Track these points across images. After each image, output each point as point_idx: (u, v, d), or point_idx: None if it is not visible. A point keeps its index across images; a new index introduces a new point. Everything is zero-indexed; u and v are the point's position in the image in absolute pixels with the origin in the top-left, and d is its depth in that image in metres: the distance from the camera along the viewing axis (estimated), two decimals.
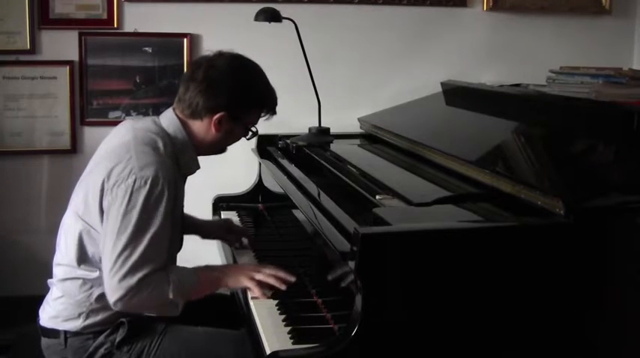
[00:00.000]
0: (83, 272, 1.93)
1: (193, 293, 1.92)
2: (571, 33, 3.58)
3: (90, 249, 1.93)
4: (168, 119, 2.03)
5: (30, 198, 3.27)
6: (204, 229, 2.46)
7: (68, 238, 1.97)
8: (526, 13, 3.54)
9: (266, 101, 2.08)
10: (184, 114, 2.02)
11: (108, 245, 1.83)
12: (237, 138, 2.12)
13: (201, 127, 2.02)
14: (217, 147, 2.10)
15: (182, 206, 2.11)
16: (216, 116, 1.99)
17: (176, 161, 1.98)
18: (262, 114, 2.10)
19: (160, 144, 1.94)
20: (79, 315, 1.94)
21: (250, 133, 2.10)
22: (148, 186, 1.83)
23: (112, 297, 1.82)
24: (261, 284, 1.95)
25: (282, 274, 1.96)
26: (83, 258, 1.93)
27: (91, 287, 1.92)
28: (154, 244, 1.83)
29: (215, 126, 2.00)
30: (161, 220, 1.84)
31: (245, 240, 2.45)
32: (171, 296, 1.85)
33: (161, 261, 1.85)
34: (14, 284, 3.14)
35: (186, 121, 2.02)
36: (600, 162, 1.90)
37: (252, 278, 1.95)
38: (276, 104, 2.10)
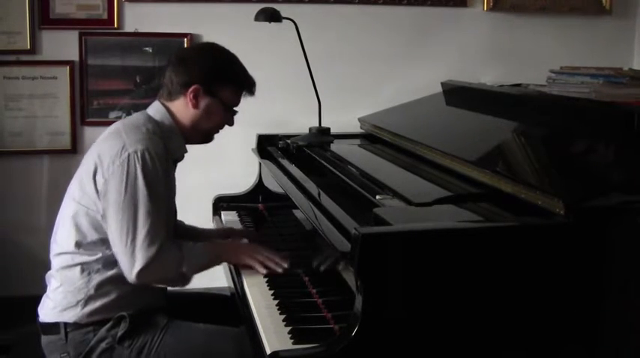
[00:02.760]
0: (82, 257, 1.95)
1: (201, 267, 2.00)
2: (571, 33, 3.58)
3: (86, 231, 1.96)
4: (154, 108, 2.10)
5: (30, 198, 3.27)
6: (208, 237, 2.47)
7: (65, 224, 2.00)
8: (526, 13, 3.55)
9: (238, 76, 2.12)
10: (165, 97, 2.10)
11: (115, 221, 1.88)
12: (219, 120, 2.12)
13: (181, 106, 2.07)
14: (201, 130, 2.11)
15: (173, 193, 2.15)
16: (191, 89, 2.04)
17: (164, 145, 2.02)
18: (240, 93, 2.13)
19: (149, 127, 2.01)
20: (78, 303, 1.95)
21: (232, 112, 2.13)
22: (140, 159, 1.90)
23: (133, 270, 1.87)
24: (260, 263, 2.03)
25: (277, 259, 2.04)
26: (80, 240, 1.96)
27: (89, 274, 1.95)
28: (161, 214, 1.92)
29: (192, 102, 2.05)
30: (162, 189, 1.93)
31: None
32: (184, 267, 1.93)
33: (166, 230, 1.94)
34: (14, 284, 3.15)
35: (168, 106, 2.09)
36: (600, 162, 1.90)
37: (252, 257, 2.04)
38: (252, 81, 2.14)
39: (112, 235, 1.91)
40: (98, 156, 1.93)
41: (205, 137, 2.15)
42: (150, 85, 3.27)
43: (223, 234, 2.48)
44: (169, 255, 1.92)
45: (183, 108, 2.07)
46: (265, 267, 2.03)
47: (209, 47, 2.16)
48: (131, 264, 1.87)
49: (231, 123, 2.16)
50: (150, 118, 2.06)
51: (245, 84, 2.13)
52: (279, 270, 2.02)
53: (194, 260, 1.97)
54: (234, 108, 2.14)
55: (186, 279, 1.98)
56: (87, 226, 1.95)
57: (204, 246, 2.07)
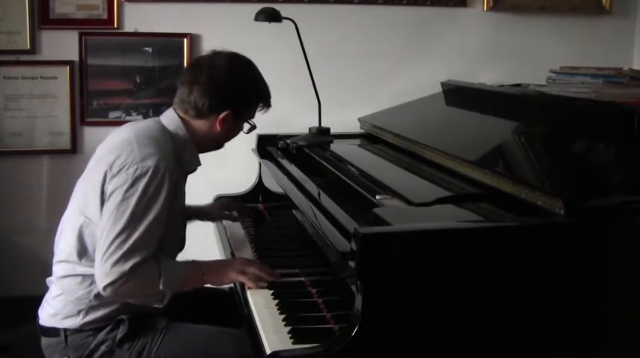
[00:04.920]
0: (83, 268, 1.94)
1: (180, 286, 1.95)
2: (571, 33, 3.58)
3: (89, 243, 1.94)
4: (169, 118, 2.07)
5: (30, 198, 3.27)
6: (203, 212, 2.53)
7: (68, 234, 1.98)
8: (526, 13, 3.54)
9: (263, 96, 2.15)
10: (189, 114, 2.06)
11: (104, 230, 1.85)
12: (236, 134, 2.17)
13: (205, 125, 2.07)
14: (217, 143, 2.15)
15: (183, 204, 2.14)
16: (222, 115, 2.04)
17: (177, 157, 2.01)
18: (259, 109, 2.16)
19: (162, 139, 1.98)
20: (79, 312, 1.95)
21: (249, 127, 2.16)
22: (148, 175, 1.87)
23: (102, 282, 1.82)
24: (250, 278, 1.98)
25: (268, 269, 2.01)
26: (83, 252, 1.94)
27: (91, 284, 1.93)
28: (149, 232, 1.86)
29: (220, 124, 2.06)
30: (159, 209, 1.87)
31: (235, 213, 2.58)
32: (160, 287, 1.87)
33: (153, 249, 1.88)
34: (14, 284, 3.14)
35: (187, 120, 2.07)
36: (600, 162, 1.90)
37: (241, 272, 1.99)
38: (270, 97, 2.17)
39: (98, 240, 1.87)
40: (110, 167, 1.90)
41: (218, 147, 2.18)
42: (150, 86, 3.27)
43: (221, 206, 2.58)
44: (144, 274, 1.84)
45: (208, 127, 2.06)
46: (257, 279, 1.99)
47: (241, 70, 2.09)
48: (102, 276, 1.82)
49: (247, 132, 2.20)
50: (164, 129, 2.03)
51: (266, 102, 2.16)
52: (272, 279, 1.98)
53: (172, 279, 1.90)
54: (252, 122, 2.17)
55: (162, 299, 1.91)
56: (89, 238, 1.94)
57: (188, 267, 1.98)
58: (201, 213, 2.51)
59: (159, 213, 1.87)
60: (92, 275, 1.91)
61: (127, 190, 1.85)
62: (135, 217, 1.84)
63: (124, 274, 1.81)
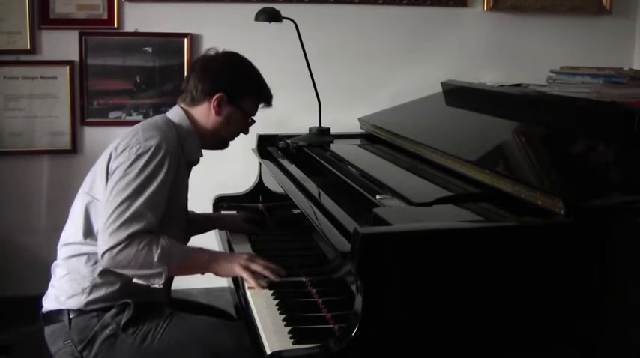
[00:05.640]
0: (89, 247, 1.97)
1: (180, 267, 1.95)
2: (571, 33, 3.59)
3: (95, 222, 1.98)
4: (174, 111, 2.15)
5: (30, 198, 3.28)
6: (224, 222, 2.56)
7: (75, 216, 2.04)
8: (526, 13, 3.55)
9: (260, 88, 2.19)
10: (186, 102, 2.14)
11: (106, 203, 1.91)
12: (237, 128, 2.19)
13: (203, 112, 2.12)
14: (219, 136, 2.17)
15: (186, 195, 2.18)
16: (215, 97, 2.10)
17: (180, 146, 2.06)
18: (259, 104, 2.20)
19: (166, 128, 2.05)
20: (83, 291, 1.97)
21: (249, 121, 2.20)
22: (149, 152, 1.94)
23: (101, 249, 1.87)
24: (255, 275, 1.97)
25: (273, 266, 2.00)
26: (89, 231, 1.99)
27: (96, 263, 1.96)
28: (148, 205, 1.90)
29: (215, 109, 2.11)
30: (158, 185, 1.93)
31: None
32: (155, 259, 1.88)
33: (152, 223, 1.91)
34: (14, 284, 3.15)
35: (189, 110, 2.14)
36: (600, 162, 1.90)
37: (246, 268, 1.98)
38: (270, 94, 2.21)
39: (101, 213, 1.94)
40: (115, 149, 1.99)
41: (221, 143, 2.21)
42: (150, 86, 3.27)
43: (246, 218, 2.56)
44: (141, 243, 1.86)
45: (205, 114, 2.12)
46: (264, 277, 1.97)
47: (235, 58, 2.18)
48: (102, 243, 1.87)
49: (246, 132, 2.23)
50: (169, 120, 2.10)
51: (265, 96, 2.20)
52: (277, 279, 1.97)
53: (171, 257, 1.91)
54: (252, 118, 2.20)
55: (159, 276, 1.90)
56: (94, 216, 1.99)
57: (191, 250, 2.01)
58: (222, 223, 2.55)
59: (158, 189, 1.93)
60: (96, 254, 1.93)
61: (129, 166, 1.93)
62: (135, 190, 1.90)
63: (121, 241, 1.85)
